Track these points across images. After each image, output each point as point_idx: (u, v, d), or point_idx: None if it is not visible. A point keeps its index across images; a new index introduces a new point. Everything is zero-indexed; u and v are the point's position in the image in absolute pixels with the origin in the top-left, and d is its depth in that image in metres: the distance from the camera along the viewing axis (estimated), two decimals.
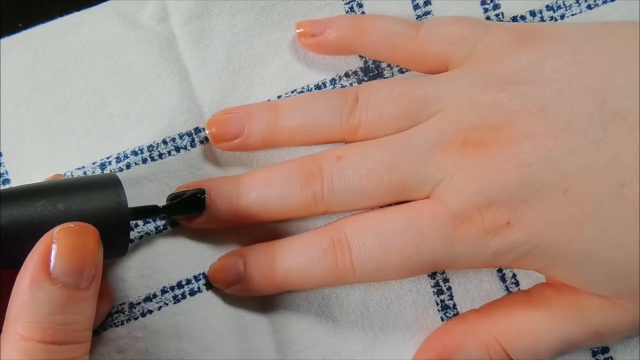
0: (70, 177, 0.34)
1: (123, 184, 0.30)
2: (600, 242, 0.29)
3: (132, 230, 0.34)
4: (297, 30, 0.35)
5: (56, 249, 0.26)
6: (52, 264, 0.26)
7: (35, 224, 0.27)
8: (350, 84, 0.36)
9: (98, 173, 0.34)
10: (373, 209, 0.33)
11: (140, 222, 0.34)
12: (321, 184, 0.32)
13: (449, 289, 0.36)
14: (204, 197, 0.33)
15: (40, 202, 0.28)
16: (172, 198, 0.34)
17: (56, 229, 0.27)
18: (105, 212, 0.28)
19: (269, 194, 0.33)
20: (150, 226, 0.34)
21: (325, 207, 0.33)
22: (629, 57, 0.30)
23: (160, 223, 0.35)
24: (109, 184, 0.29)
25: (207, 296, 0.35)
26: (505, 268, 0.35)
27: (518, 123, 0.30)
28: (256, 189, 0.33)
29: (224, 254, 0.35)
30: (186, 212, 0.34)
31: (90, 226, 0.27)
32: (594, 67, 0.30)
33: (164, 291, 0.34)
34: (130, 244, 0.34)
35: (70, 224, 0.27)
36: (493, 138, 0.30)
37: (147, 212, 0.32)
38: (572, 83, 0.30)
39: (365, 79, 0.36)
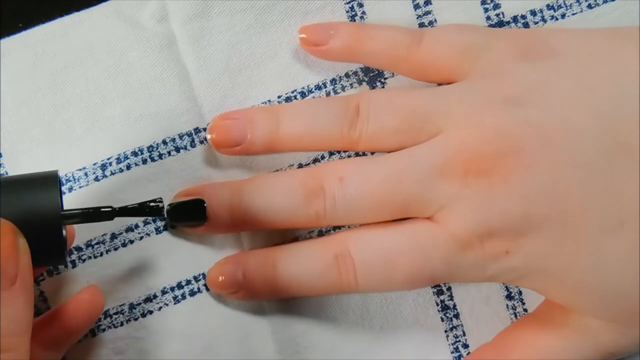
0: (7, 175, 0.33)
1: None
2: (596, 274, 0.30)
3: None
4: (300, 36, 0.35)
5: None
6: None
7: None
8: (351, 85, 0.36)
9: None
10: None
11: (140, 223, 0.34)
12: (323, 204, 0.32)
13: (449, 289, 0.36)
14: (205, 207, 0.33)
15: None
16: (172, 207, 0.34)
17: None
18: (35, 213, 0.26)
19: (271, 208, 0.33)
20: (151, 227, 0.34)
21: (328, 222, 0.33)
22: (638, 78, 0.30)
23: (160, 224, 0.35)
24: (44, 181, 0.27)
25: (207, 296, 0.35)
26: None
27: (521, 151, 0.30)
28: (258, 201, 0.33)
29: (223, 254, 0.35)
30: (187, 222, 0.34)
31: (3, 220, 0.26)
32: (602, 88, 0.30)
33: (164, 292, 0.34)
34: (130, 245, 0.34)
35: None
36: (496, 167, 0.30)
37: (95, 215, 0.29)
38: (579, 107, 0.30)
39: (366, 79, 0.36)
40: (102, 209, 0.29)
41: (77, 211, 0.29)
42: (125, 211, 0.30)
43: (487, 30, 0.33)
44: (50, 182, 0.27)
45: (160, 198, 0.31)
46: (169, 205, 0.34)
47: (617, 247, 0.29)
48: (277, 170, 0.35)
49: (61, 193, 0.28)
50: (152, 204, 0.30)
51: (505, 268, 0.31)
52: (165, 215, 0.34)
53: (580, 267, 0.29)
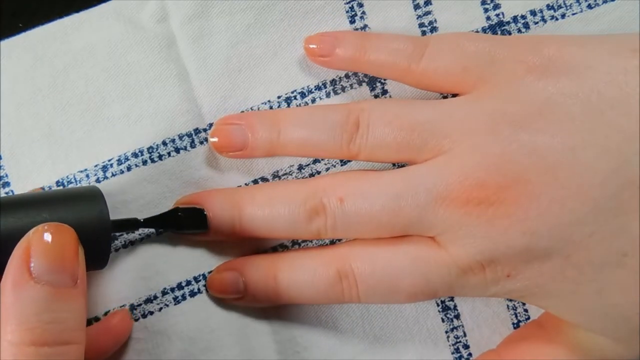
0: (52, 189, 0.34)
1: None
2: (596, 301, 0.29)
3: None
4: (305, 46, 0.34)
5: (33, 249, 0.26)
6: (32, 263, 0.26)
7: (18, 233, 0.27)
8: (351, 85, 0.36)
9: (100, 178, 0.34)
10: None
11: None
12: (325, 222, 0.32)
13: None
14: (206, 217, 0.33)
15: (22, 212, 0.28)
16: (173, 216, 0.34)
17: (31, 231, 0.27)
18: (87, 223, 0.29)
19: (273, 224, 0.33)
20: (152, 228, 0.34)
21: (329, 237, 0.33)
22: None
23: None
24: (92, 196, 0.30)
25: (207, 297, 0.35)
26: None
27: (525, 182, 0.29)
28: (259, 217, 0.33)
29: (223, 255, 0.35)
30: (188, 231, 0.34)
31: (66, 225, 0.27)
32: (613, 118, 0.28)
33: (164, 292, 0.34)
34: (130, 246, 0.34)
35: (45, 225, 0.27)
36: (499, 198, 0.29)
37: (128, 225, 0.33)
38: (588, 140, 0.29)
39: (366, 79, 0.36)
40: (144, 219, 0.33)
41: (122, 221, 0.32)
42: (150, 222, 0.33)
43: (492, 41, 0.32)
44: (95, 195, 0.30)
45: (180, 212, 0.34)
46: (170, 213, 0.34)
47: (619, 277, 0.29)
48: (277, 172, 0.36)
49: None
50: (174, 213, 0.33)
51: (507, 289, 0.31)
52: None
53: (582, 293, 0.29)
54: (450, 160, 0.30)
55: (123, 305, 0.34)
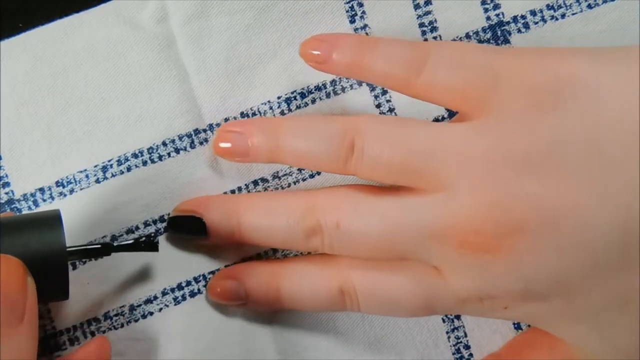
0: (7, 215, 0.33)
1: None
2: (596, 335, 0.30)
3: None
4: (301, 50, 0.33)
5: None
6: None
7: None
8: (351, 86, 0.35)
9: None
10: None
11: (140, 225, 0.34)
12: (322, 242, 0.32)
13: None
14: (204, 224, 0.33)
15: None
16: (172, 220, 0.34)
17: None
18: (40, 253, 0.27)
19: (271, 239, 0.33)
20: (151, 229, 0.34)
21: (328, 252, 0.33)
22: None
23: (160, 225, 0.35)
24: (49, 222, 0.28)
25: (207, 297, 0.35)
26: None
27: (523, 232, 0.28)
28: (256, 230, 0.33)
29: (223, 255, 0.35)
30: (187, 236, 0.34)
31: (11, 257, 0.26)
32: (620, 165, 0.27)
33: (164, 293, 0.34)
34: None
35: None
36: (495, 245, 0.29)
37: (96, 252, 0.31)
38: (592, 188, 0.28)
39: None
40: (102, 246, 0.31)
41: (80, 248, 0.31)
42: (122, 247, 0.32)
43: (495, 55, 0.31)
44: (53, 221, 0.28)
45: (154, 234, 0.34)
46: (169, 218, 0.34)
47: (620, 321, 0.29)
48: (277, 172, 0.36)
49: (64, 231, 0.28)
50: (144, 238, 0.32)
51: (507, 316, 0.31)
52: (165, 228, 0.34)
53: (581, 328, 0.30)
54: (447, 200, 0.30)
55: (123, 306, 0.34)
